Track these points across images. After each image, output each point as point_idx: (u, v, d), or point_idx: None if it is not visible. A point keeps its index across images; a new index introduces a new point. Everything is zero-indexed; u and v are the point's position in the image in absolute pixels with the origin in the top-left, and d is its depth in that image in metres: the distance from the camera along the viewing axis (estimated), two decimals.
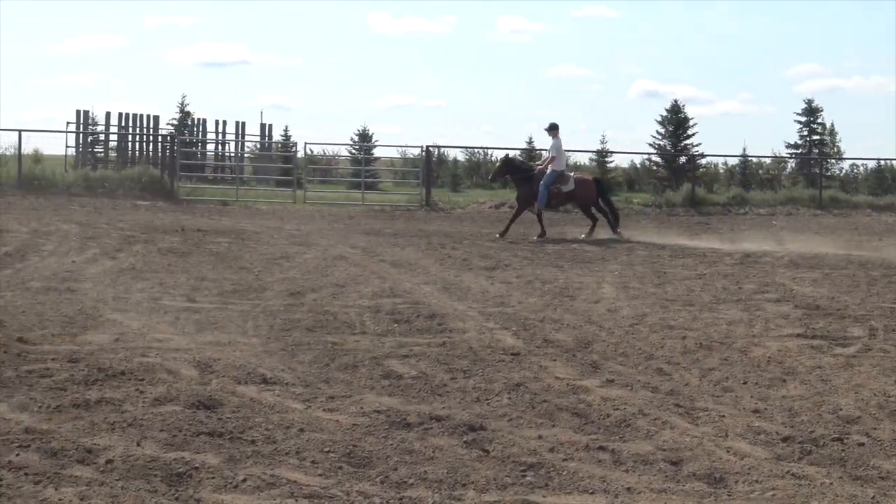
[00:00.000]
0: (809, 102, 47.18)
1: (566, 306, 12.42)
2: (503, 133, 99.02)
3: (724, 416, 7.51)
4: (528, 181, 22.63)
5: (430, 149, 35.83)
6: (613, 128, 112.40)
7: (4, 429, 6.57)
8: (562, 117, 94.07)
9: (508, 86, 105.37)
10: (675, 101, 45.73)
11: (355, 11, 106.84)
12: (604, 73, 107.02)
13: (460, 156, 48.48)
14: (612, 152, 45.39)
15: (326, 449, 6.41)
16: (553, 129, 22.76)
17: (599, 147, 45.00)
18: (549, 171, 22.40)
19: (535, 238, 21.62)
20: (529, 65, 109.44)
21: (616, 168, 46.05)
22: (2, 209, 24.90)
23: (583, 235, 22.25)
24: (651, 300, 13.01)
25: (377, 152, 46.75)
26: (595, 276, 15.52)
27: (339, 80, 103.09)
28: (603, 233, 22.33)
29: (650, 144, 45.72)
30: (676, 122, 44.81)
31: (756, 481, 6.08)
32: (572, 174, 24.01)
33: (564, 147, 23.18)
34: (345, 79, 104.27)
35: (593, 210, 22.95)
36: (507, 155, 26.39)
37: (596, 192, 22.98)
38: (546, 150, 26.14)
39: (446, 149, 46.89)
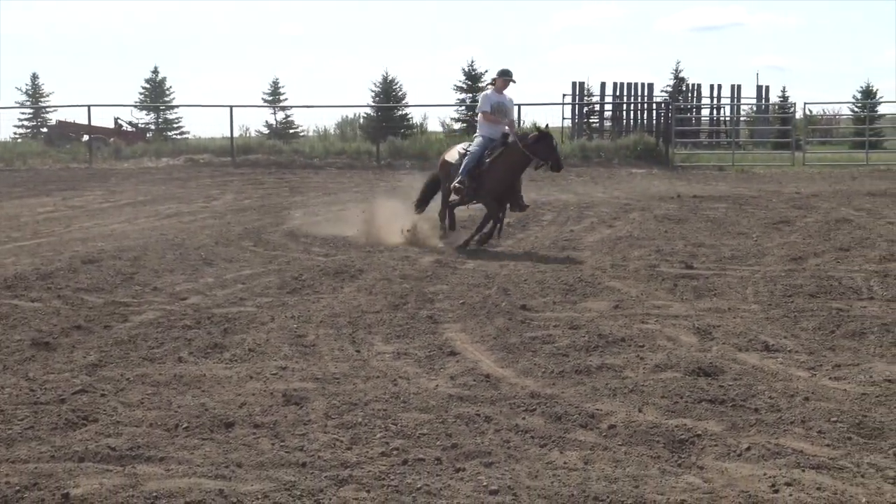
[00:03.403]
0: None
1: None
2: None
3: None
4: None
5: None
6: None
7: (511, 393, 6.84)
8: None
9: None
10: None
11: None
12: None
13: None
14: None
15: (834, 419, 6.12)
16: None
17: None
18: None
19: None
20: None
21: None
22: None
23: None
24: None
25: (882, 109, 44.25)
26: None
27: (839, 37, 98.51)
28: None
29: None
30: None
31: None
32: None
33: None
34: (845, 35, 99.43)
35: None
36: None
37: None
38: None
39: None
